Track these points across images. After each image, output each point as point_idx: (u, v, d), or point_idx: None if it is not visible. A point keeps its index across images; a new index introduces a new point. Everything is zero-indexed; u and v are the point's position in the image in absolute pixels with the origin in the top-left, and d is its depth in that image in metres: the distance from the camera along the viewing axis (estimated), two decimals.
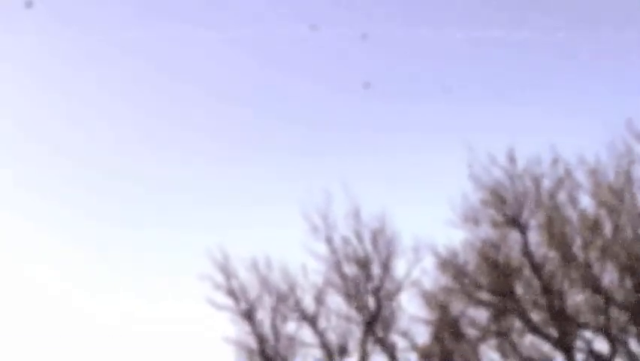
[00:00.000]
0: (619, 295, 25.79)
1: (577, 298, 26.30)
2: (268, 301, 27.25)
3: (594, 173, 26.18)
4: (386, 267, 27.16)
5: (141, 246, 37.98)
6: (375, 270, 27.16)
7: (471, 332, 27.09)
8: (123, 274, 37.74)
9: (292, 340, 27.12)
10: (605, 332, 25.80)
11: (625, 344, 25.81)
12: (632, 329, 25.66)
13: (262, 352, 26.93)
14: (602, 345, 26.12)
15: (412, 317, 27.33)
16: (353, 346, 26.91)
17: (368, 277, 27.07)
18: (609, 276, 26.05)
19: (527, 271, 26.48)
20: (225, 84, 42.19)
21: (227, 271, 27.35)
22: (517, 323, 26.60)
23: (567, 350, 25.92)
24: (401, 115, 39.00)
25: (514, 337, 26.76)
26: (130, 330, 34.85)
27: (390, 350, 26.87)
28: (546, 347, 26.52)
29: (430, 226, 27.17)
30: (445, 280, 27.33)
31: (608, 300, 25.75)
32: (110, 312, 35.63)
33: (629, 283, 25.70)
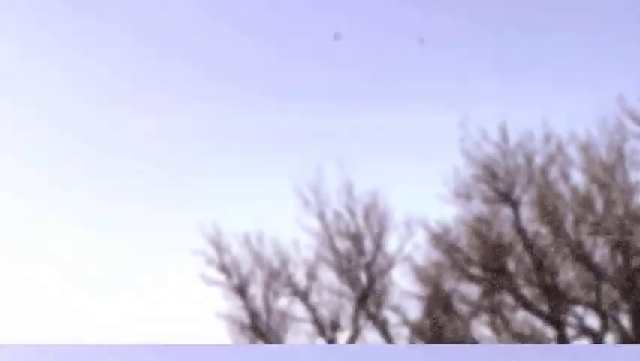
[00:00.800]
0: (610, 271, 25.91)
1: (568, 274, 26.41)
2: (260, 276, 27.27)
3: (586, 149, 26.23)
4: (378, 242, 27.19)
5: (131, 221, 37.85)
6: (368, 245, 27.19)
7: (463, 308, 27.18)
8: (113, 249, 37.68)
9: (284, 315, 27.15)
10: (596, 307, 25.94)
11: (616, 319, 25.95)
12: (623, 304, 25.79)
13: (254, 327, 26.96)
14: (593, 321, 26.31)
15: (404, 292, 27.41)
16: (345, 321, 26.99)
17: (360, 252, 27.09)
18: (601, 252, 26.17)
19: (519, 247, 26.56)
20: (221, 61, 41.99)
21: (219, 246, 27.32)
22: (509, 299, 26.70)
23: (558, 325, 26.05)
24: (394, 91, 38.87)
25: (506, 312, 26.85)
26: (119, 307, 34.94)
27: (382, 326, 26.94)
28: (538, 323, 26.65)
29: (423, 202, 27.12)
30: (437, 255, 27.41)
31: (600, 276, 25.87)
32: (97, 290, 35.60)
33: (620, 259, 25.81)
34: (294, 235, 27.22)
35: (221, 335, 27.08)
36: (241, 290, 27.17)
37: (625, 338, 25.84)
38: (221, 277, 27.30)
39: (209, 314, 27.00)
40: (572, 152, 26.42)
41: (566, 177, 26.46)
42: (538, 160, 26.35)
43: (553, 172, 26.43)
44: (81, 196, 37.50)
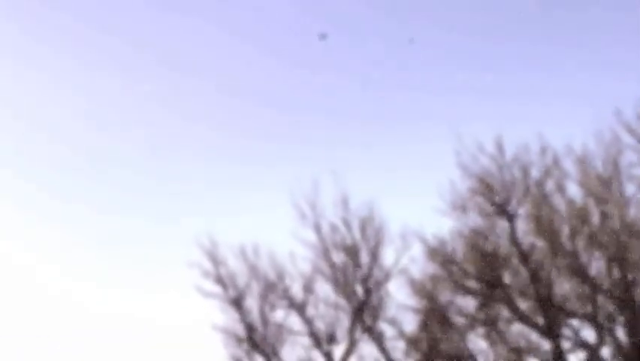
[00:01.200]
0: (606, 284, 25.92)
1: (564, 287, 26.42)
2: (256, 288, 27.24)
3: (582, 162, 26.29)
4: (374, 255, 27.19)
5: (128, 234, 37.93)
6: (364, 258, 27.20)
7: (459, 320, 27.17)
8: (109, 263, 37.70)
9: (280, 328, 27.12)
10: (592, 320, 25.94)
11: (612, 332, 25.95)
12: (619, 317, 25.81)
13: (250, 339, 26.93)
14: (589, 333, 26.29)
15: (400, 305, 27.43)
16: (341, 334, 26.95)
17: (356, 265, 27.10)
18: (596, 265, 26.18)
19: (515, 260, 26.58)
20: (214, 71, 42.08)
21: (215, 258, 27.32)
22: (505, 312, 26.70)
23: (554, 338, 26.06)
24: (390, 104, 39.03)
25: (502, 325, 26.85)
26: (117, 319, 34.88)
27: (378, 338, 26.93)
28: (533, 336, 26.64)
29: (419, 215, 27.20)
30: (433, 268, 27.42)
31: (595, 289, 25.88)
32: (94, 301, 35.59)
33: (616, 271, 25.82)
34: (291, 248, 27.24)
35: (218, 347, 27.05)
36: (237, 303, 27.15)
37: (620, 351, 25.86)
38: (217, 289, 27.28)
39: (205, 327, 26.99)
40: (568, 165, 26.49)
41: (562, 189, 26.49)
42: (535, 173, 26.39)
43: (550, 185, 26.46)
44: (76, 210, 37.55)
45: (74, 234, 38.85)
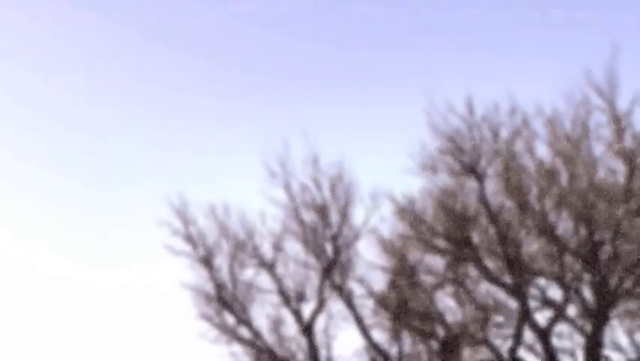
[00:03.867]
0: (573, 244, 26.15)
1: (532, 247, 26.63)
2: (226, 247, 27.21)
3: (552, 123, 26.39)
4: (344, 214, 27.22)
5: (97, 197, 37.80)
6: (334, 217, 27.21)
7: (427, 279, 27.35)
8: (79, 226, 37.57)
9: (250, 286, 27.18)
10: (558, 279, 26.19)
11: (578, 291, 26.24)
12: (586, 276, 26.07)
13: (220, 298, 26.99)
14: (555, 292, 26.57)
15: (370, 264, 27.53)
16: (310, 292, 27.06)
17: (326, 224, 27.13)
18: (564, 225, 26.38)
19: (484, 220, 26.72)
20: (183, 32, 41.72)
21: (185, 217, 27.25)
22: (473, 271, 26.89)
23: (521, 297, 26.29)
24: (360, 63, 38.92)
25: (470, 284, 27.07)
26: (86, 281, 34.93)
27: (347, 297, 27.07)
28: (501, 294, 26.88)
29: (389, 175, 27.22)
30: (402, 227, 27.53)
31: (563, 248, 26.10)
32: (65, 265, 35.51)
33: (583, 231, 26.04)
34: (261, 207, 27.22)
35: (187, 305, 27.09)
36: (207, 261, 27.16)
37: (586, 309, 26.16)
38: (186, 247, 27.26)
39: (174, 285, 27.01)
40: (538, 125, 26.58)
41: (531, 150, 26.61)
42: (504, 133, 26.45)
43: (519, 145, 26.55)
44: (39, 172, 37.29)
45: (40, 200, 38.59)
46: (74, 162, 39.58)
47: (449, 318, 27.17)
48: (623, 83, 25.70)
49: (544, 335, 26.36)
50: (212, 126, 38.83)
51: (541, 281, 26.65)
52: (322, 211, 27.18)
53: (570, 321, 26.56)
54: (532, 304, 26.57)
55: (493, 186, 26.72)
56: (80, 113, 40.22)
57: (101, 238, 36.76)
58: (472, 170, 26.35)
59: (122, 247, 35.33)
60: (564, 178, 26.24)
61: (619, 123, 25.72)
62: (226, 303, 26.97)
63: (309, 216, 27.27)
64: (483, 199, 26.47)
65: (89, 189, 38.00)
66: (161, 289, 28.36)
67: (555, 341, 26.59)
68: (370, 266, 27.46)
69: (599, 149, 26.18)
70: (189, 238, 27.18)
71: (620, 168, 26.02)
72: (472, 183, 26.72)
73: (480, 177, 26.39)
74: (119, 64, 40.80)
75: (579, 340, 26.54)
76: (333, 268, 26.95)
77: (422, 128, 26.44)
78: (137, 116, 40.00)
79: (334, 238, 27.09)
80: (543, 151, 26.59)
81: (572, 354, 26.74)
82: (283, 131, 27.30)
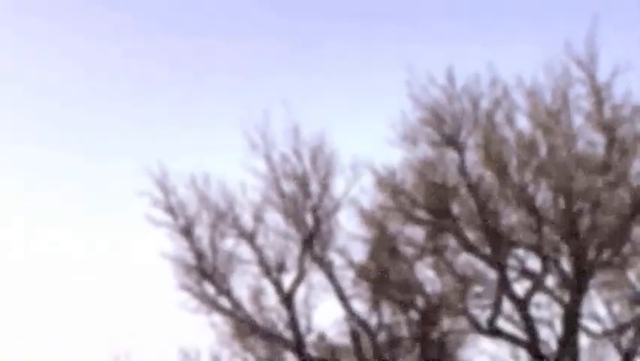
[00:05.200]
0: (552, 215, 26.31)
1: (511, 218, 26.76)
2: (206, 218, 27.17)
3: (532, 94, 26.47)
4: (325, 185, 27.23)
5: (73, 167, 37.66)
6: (314, 188, 27.22)
7: (407, 250, 27.44)
8: (56, 194, 37.45)
9: (230, 256, 27.17)
10: (537, 250, 26.36)
11: (556, 262, 26.42)
12: (564, 247, 26.25)
13: (200, 268, 26.97)
14: (534, 263, 26.75)
15: (350, 234, 27.58)
16: (291, 263, 27.09)
17: (307, 195, 27.13)
18: (543, 196, 26.53)
19: (464, 191, 26.82)
20: (159, 5, 41.45)
21: (165, 187, 27.18)
22: (453, 242, 27.00)
23: (500, 267, 26.46)
24: (341, 33, 38.83)
25: (450, 255, 27.18)
26: (68, 251, 34.88)
27: (327, 267, 27.14)
28: (480, 265, 27.03)
29: (369, 146, 27.26)
30: (382, 198, 27.58)
31: (541, 219, 26.25)
32: (46, 235, 35.43)
33: (562, 203, 26.19)
34: (241, 178, 27.19)
35: (167, 275, 27.11)
36: (187, 231, 27.12)
37: (564, 280, 26.37)
38: (167, 218, 27.21)
39: (154, 255, 27.02)
40: (518, 97, 26.66)
41: (511, 121, 26.68)
42: (484, 104, 26.51)
43: (499, 116, 26.63)
44: (17, 144, 37.07)
45: (14, 169, 38.37)
46: (57, 133, 39.43)
47: (429, 289, 27.29)
48: (603, 55, 25.82)
49: (522, 305, 26.56)
50: (192, 98, 38.74)
51: (520, 252, 26.82)
52: (302, 182, 27.19)
53: (548, 291, 26.77)
54: (511, 274, 26.75)
55: (473, 158, 26.78)
56: (61, 87, 40.01)
57: (83, 208, 36.73)
58: (453, 141, 26.42)
59: (101, 217, 35.27)
60: (544, 150, 26.34)
61: (599, 95, 25.84)
62: (206, 273, 26.97)
63: (289, 187, 27.28)
64: (463, 170, 26.57)
65: (71, 160, 37.88)
66: (142, 259, 28.34)
67: (533, 311, 26.79)
68: (350, 237, 27.53)
69: (578, 121, 26.30)
70: (169, 209, 27.13)
71: (600, 140, 26.15)
72: (452, 155, 26.81)
73: (460, 148, 26.47)
74: (98, 37, 40.55)
75: (557, 310, 26.76)
76: (314, 239, 26.99)
77: (403, 99, 26.48)
78: (118, 89, 39.81)
79: (314, 209, 27.11)
80: (523, 123, 26.70)
81: (550, 324, 26.92)
82: (263, 102, 27.27)
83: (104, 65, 39.88)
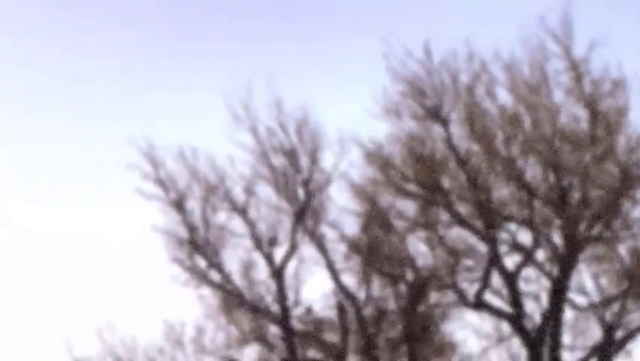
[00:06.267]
0: (542, 189, 26.48)
1: (502, 192, 26.86)
2: (197, 191, 27.03)
3: (510, 68, 26.53)
4: (314, 159, 27.19)
5: (60, 137, 37.18)
6: (304, 162, 27.15)
7: (399, 224, 27.47)
8: (44, 168, 36.97)
9: (222, 230, 27.07)
10: (528, 224, 26.53)
11: (547, 236, 26.62)
12: (555, 221, 26.47)
13: (192, 241, 26.86)
14: (525, 237, 26.94)
15: (341, 208, 27.56)
16: (283, 236, 27.09)
17: (296, 168, 27.08)
18: (532, 170, 26.67)
19: (453, 165, 26.89)
20: None
21: (153, 160, 26.95)
22: (444, 215, 27.07)
23: (491, 241, 26.61)
24: (325, 4, 38.67)
25: (441, 229, 27.25)
26: (55, 228, 34.47)
27: (319, 241, 27.13)
28: (472, 239, 27.14)
29: (353, 119, 27.16)
30: (372, 172, 27.57)
31: (532, 194, 26.41)
32: (30, 212, 34.98)
33: (551, 177, 26.37)
34: (228, 151, 27.02)
35: (158, 248, 26.92)
36: (178, 205, 26.96)
37: (555, 253, 26.61)
38: (157, 191, 26.98)
39: (146, 228, 26.79)
40: (496, 71, 26.70)
41: (492, 95, 26.72)
42: (464, 78, 26.54)
43: (480, 90, 26.68)
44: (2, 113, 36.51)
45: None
46: (40, 101, 38.86)
47: (420, 262, 27.36)
48: (578, 29, 25.88)
49: (511, 278, 26.72)
50: (175, 66, 38.38)
51: (511, 226, 26.93)
52: (291, 155, 27.10)
53: (538, 265, 26.93)
54: (502, 248, 26.87)
55: (458, 132, 26.83)
56: (46, 57, 39.43)
57: (67, 177, 36.33)
58: (436, 114, 26.43)
59: (86, 186, 34.89)
60: (528, 124, 26.44)
61: (577, 69, 25.85)
62: (198, 246, 26.89)
63: (278, 161, 27.20)
64: (450, 144, 26.60)
65: (55, 128, 37.38)
66: (131, 229, 28.09)
67: (522, 285, 26.94)
68: (342, 211, 27.51)
69: (559, 95, 26.36)
70: (160, 182, 26.93)
71: (582, 114, 26.28)
72: (437, 129, 26.81)
73: (444, 122, 26.49)
74: (83, 4, 39.99)
75: (545, 284, 26.97)
76: (305, 213, 26.94)
77: (384, 72, 26.43)
78: (103, 57, 39.31)
79: (306, 183, 27.08)
80: (504, 97, 26.70)
81: (537, 298, 27.13)
82: (246, 72, 27.06)
83: (88, 33, 39.35)
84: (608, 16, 28.09)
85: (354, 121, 27.21)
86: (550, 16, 25.53)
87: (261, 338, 27.50)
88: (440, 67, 26.42)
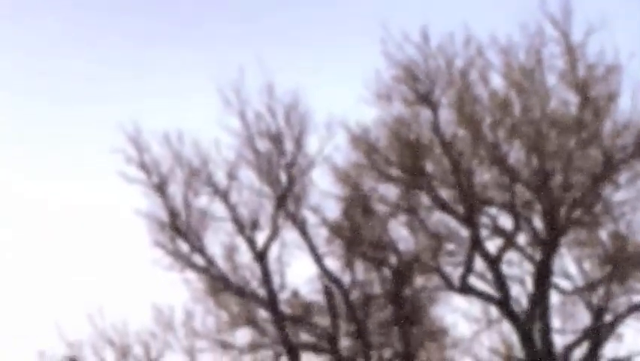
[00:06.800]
0: (525, 174, 26.47)
1: (484, 176, 26.91)
2: (180, 175, 27.10)
3: (506, 53, 26.53)
4: (299, 143, 27.20)
5: (49, 119, 37.39)
6: (288, 146, 27.18)
7: (381, 208, 27.53)
8: (29, 150, 37.18)
9: (204, 214, 27.14)
10: (509, 208, 26.55)
11: (528, 220, 26.62)
12: (536, 205, 26.44)
13: (174, 225, 26.94)
14: (506, 221, 26.93)
15: (324, 192, 27.62)
16: (264, 220, 27.09)
17: (281, 152, 27.11)
18: (516, 154, 26.69)
19: (437, 149, 26.92)
20: None
21: (138, 144, 27.08)
22: (426, 200, 27.13)
23: (473, 225, 26.63)
24: None
25: (423, 213, 27.30)
26: (37, 208, 34.66)
27: (301, 225, 27.17)
28: (453, 223, 27.19)
29: (344, 104, 27.21)
30: (356, 156, 27.62)
31: (514, 178, 26.42)
32: (12, 190, 35.13)
33: (534, 161, 26.36)
34: (215, 135, 27.10)
35: (140, 232, 27.08)
36: (161, 189, 27.05)
37: (536, 237, 26.59)
38: (140, 175, 27.13)
39: (128, 212, 26.97)
40: (492, 56, 26.70)
41: (485, 80, 26.75)
42: (459, 63, 26.53)
43: (473, 75, 26.67)
44: None
45: None
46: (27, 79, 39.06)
47: (402, 246, 27.42)
48: (577, 14, 25.85)
49: (494, 262, 26.80)
50: (165, 50, 38.46)
51: (493, 210, 26.98)
52: (277, 140, 27.15)
53: (520, 249, 26.99)
54: (484, 232, 26.94)
55: (446, 116, 26.86)
56: (34, 37, 39.63)
57: (51, 154, 36.52)
58: (426, 99, 26.46)
59: (70, 162, 35.04)
60: (517, 108, 26.44)
61: (572, 54, 25.92)
62: (180, 230, 26.95)
63: (263, 145, 27.24)
64: (436, 129, 26.65)
65: (41, 105, 37.59)
66: (119, 212, 28.20)
67: (505, 269, 27.04)
68: (324, 195, 27.58)
69: (552, 80, 26.42)
70: (143, 166, 27.03)
71: (573, 99, 26.27)
72: (426, 113, 26.86)
73: (434, 107, 26.54)
74: None
75: (529, 268, 27.00)
76: (287, 197, 27.00)
77: (377, 57, 26.43)
78: (92, 38, 39.48)
79: (289, 167, 27.10)
80: (497, 82, 26.77)
81: (522, 281, 27.18)
82: (237, 55, 27.08)
83: (75, 14, 39.50)
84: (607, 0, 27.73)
85: (347, 106, 27.27)
86: (551, 1, 25.47)
87: (251, 322, 27.59)
88: (437, 51, 26.42)
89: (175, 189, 27.12)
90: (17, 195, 34.66)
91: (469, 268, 26.84)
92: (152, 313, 27.27)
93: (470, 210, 26.44)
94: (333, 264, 27.56)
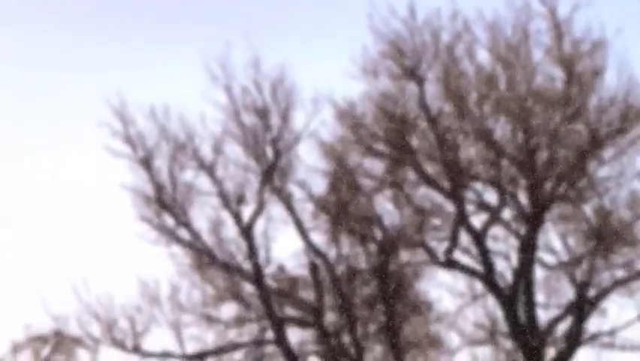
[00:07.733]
0: (510, 149, 26.53)
1: (470, 151, 26.95)
2: (166, 149, 27.04)
3: (492, 28, 26.52)
4: (285, 118, 27.17)
5: (31, 88, 37.21)
6: (274, 120, 27.15)
7: (367, 183, 27.57)
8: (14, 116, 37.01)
9: (190, 188, 27.11)
10: (495, 183, 26.63)
11: (513, 195, 26.70)
12: (521, 181, 26.52)
13: (159, 199, 26.90)
14: (491, 196, 27.02)
15: (310, 167, 27.62)
16: (250, 195, 27.08)
17: (267, 127, 27.07)
18: (501, 130, 26.73)
19: (423, 124, 26.93)
20: None
21: (124, 118, 26.97)
22: (412, 175, 27.17)
23: (458, 200, 26.70)
24: None
25: (409, 188, 27.35)
26: (22, 182, 34.57)
27: (287, 200, 27.19)
28: (438, 198, 27.25)
29: (330, 79, 27.18)
30: (342, 131, 27.61)
31: (500, 153, 26.48)
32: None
33: (520, 136, 26.41)
34: (201, 109, 27.03)
35: (126, 206, 27.04)
36: (146, 163, 26.98)
37: (521, 212, 26.68)
38: (126, 149, 27.05)
39: (113, 186, 26.92)
40: (479, 31, 26.69)
41: (471, 55, 26.74)
42: (445, 37, 26.51)
43: (459, 50, 26.67)
44: None
45: None
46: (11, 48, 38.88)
47: (387, 221, 27.48)
48: None
49: (479, 237, 26.90)
50: (151, 22, 38.32)
51: (478, 185, 27.04)
52: (263, 114, 27.12)
53: (505, 224, 27.08)
54: (469, 207, 27.01)
55: (433, 91, 26.87)
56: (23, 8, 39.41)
57: (33, 126, 36.37)
58: (413, 73, 26.46)
59: (53, 134, 34.91)
60: (503, 83, 26.46)
61: (559, 30, 25.93)
62: (165, 205, 26.92)
63: (249, 119, 27.21)
64: (423, 103, 26.68)
65: (22, 73, 37.38)
66: (105, 184, 28.13)
67: (490, 244, 27.13)
68: (310, 170, 27.59)
69: (538, 55, 26.43)
70: (128, 140, 26.95)
71: (559, 74, 26.30)
72: (412, 88, 26.87)
73: (420, 81, 26.55)
74: None
75: (514, 243, 27.10)
76: (273, 172, 27.01)
77: (364, 31, 26.38)
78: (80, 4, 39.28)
79: (275, 142, 27.09)
80: (483, 56, 26.78)
81: (507, 256, 27.28)
82: (224, 28, 26.94)
83: None
84: None
85: (333, 81, 27.25)
86: None
87: (237, 296, 27.65)
88: (423, 26, 26.37)
89: (161, 163, 27.07)
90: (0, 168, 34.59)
91: (454, 243, 26.95)
92: (138, 287, 27.27)
93: (456, 185, 26.51)
94: (318, 238, 27.66)
